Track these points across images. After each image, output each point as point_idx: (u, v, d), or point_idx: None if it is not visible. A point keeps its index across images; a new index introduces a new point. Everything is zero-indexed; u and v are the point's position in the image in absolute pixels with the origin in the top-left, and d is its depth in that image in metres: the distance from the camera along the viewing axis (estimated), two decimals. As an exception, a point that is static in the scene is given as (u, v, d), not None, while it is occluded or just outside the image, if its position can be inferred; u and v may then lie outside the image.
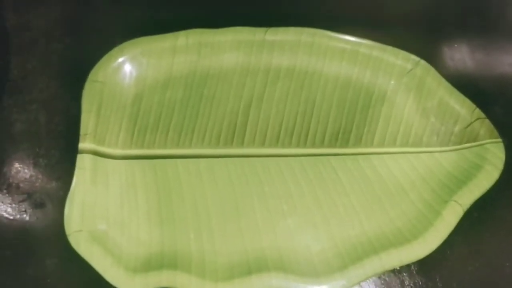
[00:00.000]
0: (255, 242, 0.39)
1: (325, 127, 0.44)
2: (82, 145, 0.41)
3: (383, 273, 0.38)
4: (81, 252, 0.37)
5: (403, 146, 0.43)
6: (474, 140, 0.42)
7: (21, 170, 0.41)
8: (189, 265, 0.37)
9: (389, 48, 0.45)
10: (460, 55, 0.47)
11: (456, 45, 0.47)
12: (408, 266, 0.39)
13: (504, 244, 0.39)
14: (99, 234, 0.38)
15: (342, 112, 0.44)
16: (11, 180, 0.41)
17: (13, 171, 0.41)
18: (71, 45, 0.46)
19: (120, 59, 0.44)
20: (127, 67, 0.45)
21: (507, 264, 0.39)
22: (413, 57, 0.44)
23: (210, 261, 0.38)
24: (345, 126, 0.44)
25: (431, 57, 0.45)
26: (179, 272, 0.37)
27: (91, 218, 0.39)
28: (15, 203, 0.40)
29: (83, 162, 0.41)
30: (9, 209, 0.40)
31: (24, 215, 0.40)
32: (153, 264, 0.38)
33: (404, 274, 0.39)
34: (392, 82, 0.44)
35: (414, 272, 0.39)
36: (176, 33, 0.46)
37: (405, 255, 0.37)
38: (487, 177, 0.40)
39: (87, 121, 0.42)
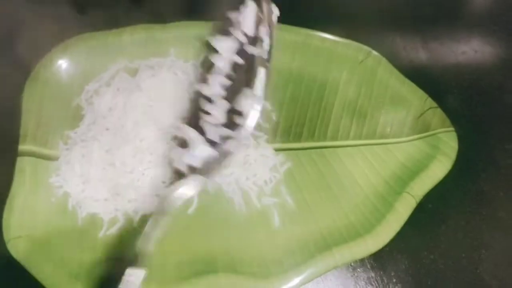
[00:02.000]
0: (205, 243, 0.37)
1: (277, 121, 0.43)
2: (21, 147, 0.40)
3: (337, 269, 0.37)
4: (20, 259, 0.35)
5: (357, 139, 0.42)
6: (427, 130, 0.41)
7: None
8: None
9: (341, 40, 0.44)
10: (413, 45, 0.47)
11: (408, 35, 0.47)
12: (362, 261, 0.38)
13: (459, 234, 0.38)
14: (40, 240, 0.37)
15: (295, 105, 0.43)
16: None
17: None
18: (12, 44, 0.44)
19: (63, 57, 0.43)
20: (70, 65, 0.43)
21: (463, 255, 0.38)
22: (365, 48, 0.44)
23: (157, 263, 0.36)
24: (297, 120, 0.43)
25: (384, 48, 0.44)
26: (124, 276, 0.35)
27: (31, 223, 0.37)
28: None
29: (22, 165, 0.39)
30: None
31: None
32: (97, 270, 0.36)
33: (359, 269, 0.38)
34: (344, 73, 0.44)
35: (368, 266, 0.38)
36: (120, 29, 0.44)
37: (357, 250, 0.36)
38: (440, 167, 0.39)
39: (27, 122, 0.41)
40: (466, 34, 0.48)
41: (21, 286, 0.36)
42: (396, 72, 0.43)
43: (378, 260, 0.38)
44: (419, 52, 0.47)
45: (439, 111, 0.41)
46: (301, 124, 0.43)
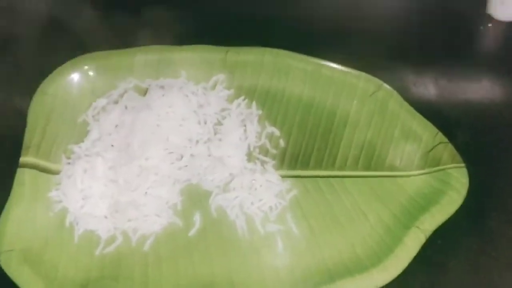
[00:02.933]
0: (205, 267, 0.36)
1: (285, 149, 0.42)
2: (23, 159, 0.39)
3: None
4: (11, 273, 0.34)
5: (365, 169, 0.41)
6: (437, 164, 0.40)
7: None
8: (131, 290, 0.34)
9: (352, 70, 0.44)
10: (423, 81, 0.47)
11: (419, 71, 0.47)
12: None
13: (468, 273, 0.37)
14: (33, 255, 0.35)
15: (303, 133, 0.43)
16: None
17: None
18: (21, 56, 0.44)
19: (73, 73, 0.43)
20: (79, 81, 0.43)
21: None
22: (376, 80, 0.44)
23: (154, 286, 0.35)
24: (305, 148, 0.42)
25: (394, 82, 0.44)
26: (119, 298, 0.34)
27: (26, 236, 0.36)
28: None
29: (22, 177, 0.38)
30: None
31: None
32: (91, 288, 0.34)
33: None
34: (354, 104, 0.44)
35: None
36: (133, 49, 0.45)
37: (362, 284, 0.34)
38: (450, 203, 0.38)
39: (32, 134, 0.40)
40: (477, 73, 0.49)
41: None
42: (406, 105, 0.43)
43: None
44: (429, 88, 0.47)
45: (449, 146, 0.41)
46: (309, 152, 0.42)
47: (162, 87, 0.43)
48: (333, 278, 0.35)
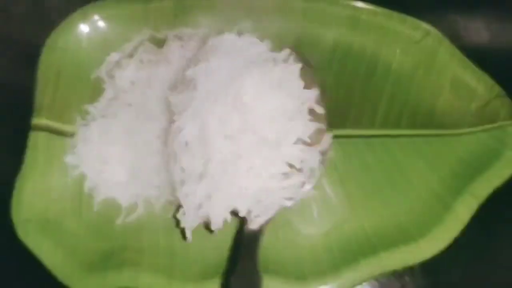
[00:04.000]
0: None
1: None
2: (35, 121, 0.36)
3: (381, 276, 0.32)
4: (29, 244, 0.32)
5: (410, 128, 0.37)
6: (493, 121, 0.36)
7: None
8: (156, 263, 0.32)
9: (396, 14, 0.39)
10: (475, 25, 0.41)
11: (469, 14, 0.41)
12: (410, 267, 0.33)
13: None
14: (51, 224, 0.33)
15: (339, 86, 0.38)
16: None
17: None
18: (27, 8, 0.40)
19: (83, 24, 0.39)
20: (90, 33, 0.39)
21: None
22: (424, 25, 0.38)
23: (181, 260, 0.32)
24: (342, 104, 0.38)
25: (443, 26, 0.38)
26: (143, 270, 0.32)
27: (43, 205, 0.34)
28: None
29: (36, 141, 0.35)
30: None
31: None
32: (113, 260, 0.32)
33: (406, 277, 0.33)
34: (398, 53, 0.39)
35: (416, 274, 0.33)
36: (147, -6, 0.40)
37: (408, 256, 0.31)
38: (507, 165, 0.34)
39: (43, 93, 0.37)
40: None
41: (29, 272, 0.33)
42: (459, 54, 0.37)
43: (430, 268, 0.33)
44: (482, 34, 0.41)
45: (507, 100, 0.36)
46: (347, 108, 0.38)
47: (180, 37, 0.39)
48: (375, 249, 0.32)
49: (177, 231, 0.33)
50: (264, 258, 0.32)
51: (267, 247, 0.32)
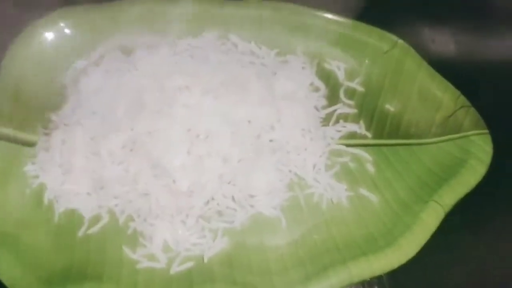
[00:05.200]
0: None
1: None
2: (-5, 130, 0.34)
3: (351, 285, 0.32)
4: (-15, 259, 0.30)
5: (377, 138, 0.37)
6: (458, 131, 0.36)
7: None
8: (118, 276, 0.31)
9: (363, 25, 0.39)
10: (442, 38, 0.42)
11: (437, 27, 0.42)
12: (379, 276, 0.33)
13: (491, 250, 0.34)
14: (9, 238, 0.32)
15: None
16: None
17: None
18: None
19: (47, 31, 0.38)
20: (55, 40, 0.38)
21: (495, 273, 0.33)
22: (391, 36, 0.39)
23: (144, 271, 0.31)
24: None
25: (410, 38, 0.39)
26: (105, 284, 0.30)
27: (0, 217, 0.32)
28: None
29: (-6, 150, 0.34)
30: None
31: None
32: (74, 274, 0.31)
33: (375, 286, 0.33)
34: (365, 63, 0.39)
35: (385, 283, 0.33)
36: (116, 2, 0.39)
37: (377, 265, 0.31)
38: (472, 173, 0.34)
39: (3, 101, 0.36)
40: (500, 29, 0.44)
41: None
42: (425, 65, 0.38)
43: (398, 277, 0.33)
44: (449, 46, 0.42)
45: (472, 110, 0.37)
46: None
47: (149, 46, 0.38)
48: (344, 258, 0.31)
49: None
50: (230, 267, 0.31)
51: (235, 258, 0.32)
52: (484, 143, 0.35)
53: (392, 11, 0.43)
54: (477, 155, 0.35)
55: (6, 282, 0.30)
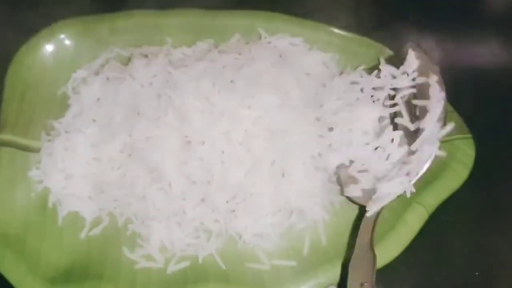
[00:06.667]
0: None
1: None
2: (0, 136, 0.36)
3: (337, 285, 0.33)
4: (-9, 258, 0.32)
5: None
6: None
7: None
8: (117, 276, 0.33)
9: (352, 36, 0.41)
10: (427, 45, 0.44)
11: (422, 34, 0.44)
12: (366, 276, 0.34)
13: (474, 250, 0.35)
14: (14, 239, 0.33)
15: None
16: None
17: None
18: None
19: (50, 42, 0.40)
20: (57, 51, 0.40)
21: (477, 273, 0.35)
22: (377, 45, 0.40)
23: (142, 271, 0.33)
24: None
25: (394, 44, 0.41)
26: (105, 284, 0.32)
27: (6, 219, 0.34)
28: None
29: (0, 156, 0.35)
30: None
31: None
32: (76, 273, 0.33)
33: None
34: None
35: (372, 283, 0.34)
36: (114, 14, 0.41)
37: (362, 264, 0.32)
38: (455, 177, 0.35)
39: (8, 109, 0.38)
40: (484, 36, 0.45)
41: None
42: (410, 72, 0.39)
43: (383, 276, 0.34)
44: (434, 53, 0.44)
45: (455, 115, 0.38)
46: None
47: (145, 55, 0.40)
48: (331, 258, 0.33)
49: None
50: (223, 269, 0.33)
51: (225, 257, 0.33)
52: (467, 147, 0.37)
53: (377, 17, 0.44)
54: (460, 159, 0.36)
55: (11, 280, 0.31)
